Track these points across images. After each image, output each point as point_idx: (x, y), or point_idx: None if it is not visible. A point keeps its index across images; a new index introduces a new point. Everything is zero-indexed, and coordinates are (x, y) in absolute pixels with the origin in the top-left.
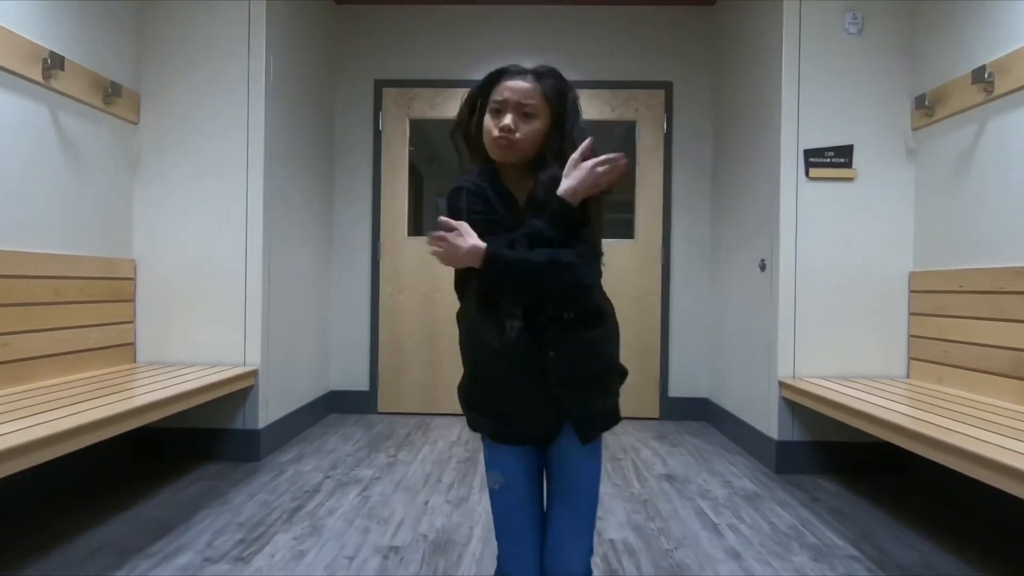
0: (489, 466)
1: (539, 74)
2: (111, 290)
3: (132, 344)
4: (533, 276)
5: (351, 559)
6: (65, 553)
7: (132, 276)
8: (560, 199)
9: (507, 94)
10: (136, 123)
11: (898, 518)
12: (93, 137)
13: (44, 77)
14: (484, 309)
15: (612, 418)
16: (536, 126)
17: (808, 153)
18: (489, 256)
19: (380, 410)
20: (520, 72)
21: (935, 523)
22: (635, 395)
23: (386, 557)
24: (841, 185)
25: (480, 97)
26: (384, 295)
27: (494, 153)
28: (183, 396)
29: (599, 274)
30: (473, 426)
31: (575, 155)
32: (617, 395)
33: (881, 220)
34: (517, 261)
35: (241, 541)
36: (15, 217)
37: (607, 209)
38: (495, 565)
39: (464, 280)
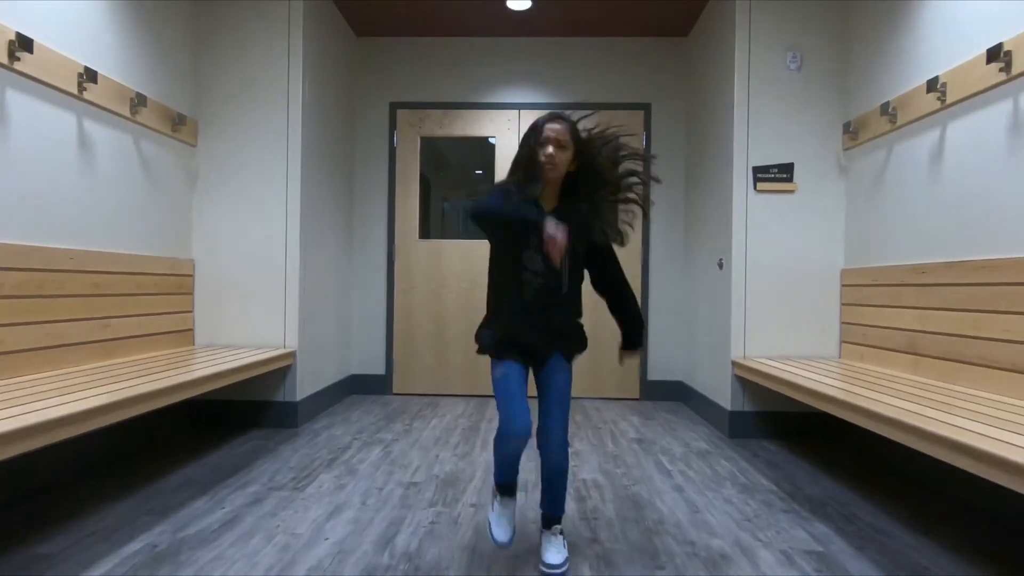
0: (495, 368)
1: (564, 119)
2: (176, 284)
3: (191, 330)
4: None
5: (380, 489)
6: (159, 486)
7: (191, 273)
8: None
9: (549, 133)
10: (195, 145)
11: (821, 469)
12: (163, 159)
13: (132, 113)
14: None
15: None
16: (568, 153)
17: (756, 170)
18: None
19: (395, 391)
20: (555, 118)
21: (853, 475)
22: (617, 378)
23: (407, 489)
24: (784, 197)
25: (533, 137)
26: (398, 291)
27: (545, 172)
28: (237, 370)
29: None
30: (486, 351)
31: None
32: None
33: (818, 226)
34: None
35: (294, 478)
36: (110, 224)
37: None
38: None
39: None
